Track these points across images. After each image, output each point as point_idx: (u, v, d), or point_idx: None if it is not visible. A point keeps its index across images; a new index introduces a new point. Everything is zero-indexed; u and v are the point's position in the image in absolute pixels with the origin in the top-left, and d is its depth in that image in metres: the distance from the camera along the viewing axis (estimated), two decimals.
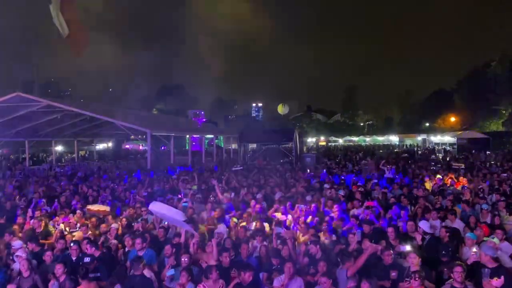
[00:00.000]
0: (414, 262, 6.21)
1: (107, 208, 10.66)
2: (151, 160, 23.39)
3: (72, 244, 7.52)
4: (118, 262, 7.38)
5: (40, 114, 25.77)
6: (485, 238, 7.04)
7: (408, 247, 6.88)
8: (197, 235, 7.66)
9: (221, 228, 8.86)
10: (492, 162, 24.75)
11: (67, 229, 9.37)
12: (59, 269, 6.44)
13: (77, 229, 9.38)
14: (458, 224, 8.84)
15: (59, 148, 42.80)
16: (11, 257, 7.42)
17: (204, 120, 50.64)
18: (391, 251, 6.77)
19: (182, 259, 6.69)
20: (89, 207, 10.84)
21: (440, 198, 11.73)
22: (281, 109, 41.91)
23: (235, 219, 9.63)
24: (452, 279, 5.76)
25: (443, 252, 6.68)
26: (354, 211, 10.25)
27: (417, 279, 5.57)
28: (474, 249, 6.51)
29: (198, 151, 36.81)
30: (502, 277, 5.72)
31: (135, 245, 7.55)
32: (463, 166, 20.49)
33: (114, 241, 8.33)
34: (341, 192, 12.87)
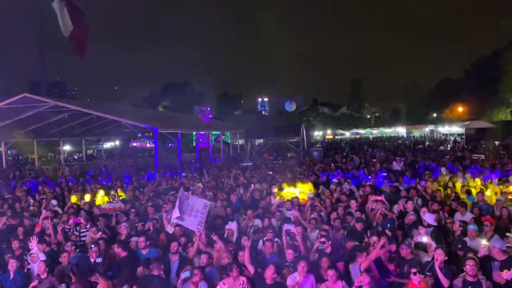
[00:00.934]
0: (439, 258, 6.11)
1: (122, 206, 10.74)
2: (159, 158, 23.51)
3: (92, 246, 7.57)
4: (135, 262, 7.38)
5: (47, 114, 25.93)
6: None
7: (425, 238, 6.86)
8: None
9: (232, 225, 8.87)
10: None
11: (78, 229, 9.46)
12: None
13: (87, 229, 9.44)
14: (467, 217, 8.79)
15: (67, 147, 43.09)
16: (25, 257, 7.54)
17: (210, 116, 50.50)
18: (408, 246, 6.79)
19: (202, 259, 6.74)
20: (102, 206, 10.96)
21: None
22: (289, 106, 41.88)
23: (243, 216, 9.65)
24: (464, 273, 5.75)
25: (459, 246, 6.68)
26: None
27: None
28: (485, 242, 6.45)
29: (205, 147, 36.89)
30: None
31: (138, 244, 7.63)
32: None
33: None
34: (347, 187, 12.86)
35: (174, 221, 8.31)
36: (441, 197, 10.72)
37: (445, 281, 5.92)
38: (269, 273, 6.13)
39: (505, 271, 5.87)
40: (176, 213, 7.89)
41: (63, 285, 6.32)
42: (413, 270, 5.80)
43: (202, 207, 8.15)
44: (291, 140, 32.19)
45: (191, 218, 7.84)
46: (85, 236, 9.27)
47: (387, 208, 9.48)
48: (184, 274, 6.34)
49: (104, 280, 6.34)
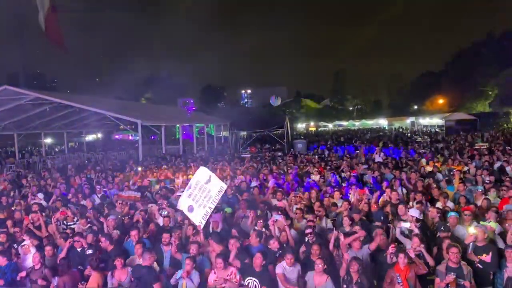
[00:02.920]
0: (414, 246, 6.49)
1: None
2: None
3: (76, 237, 7.61)
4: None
5: (28, 106, 25.48)
6: (481, 222, 7.28)
7: (408, 225, 7.13)
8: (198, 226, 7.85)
9: (216, 216, 8.94)
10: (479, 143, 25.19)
11: (65, 222, 9.46)
12: (35, 258, 6.79)
13: (75, 222, 9.45)
14: (449, 205, 9.13)
15: (48, 140, 42.43)
16: (13, 249, 7.55)
17: (193, 108, 50.46)
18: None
19: (191, 248, 6.87)
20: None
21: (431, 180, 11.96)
22: (274, 102, 42.13)
23: (228, 210, 9.71)
24: (447, 259, 6.03)
25: (442, 228, 7.11)
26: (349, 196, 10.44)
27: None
28: (473, 230, 6.75)
29: (189, 140, 36.81)
30: (490, 253, 6.27)
31: (131, 236, 7.70)
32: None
33: (116, 232, 8.43)
34: (334, 177, 13.12)
35: (183, 211, 8.18)
36: (422, 187, 11.04)
37: (430, 259, 6.32)
38: (258, 262, 6.33)
39: (484, 255, 6.35)
40: (186, 202, 7.72)
41: (56, 278, 6.35)
42: (401, 255, 6.06)
43: (216, 192, 7.82)
44: (275, 132, 32.34)
45: (199, 209, 7.66)
46: (72, 229, 9.27)
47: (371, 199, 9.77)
48: (178, 275, 6.40)
49: (96, 272, 6.41)
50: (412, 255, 6.20)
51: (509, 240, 6.72)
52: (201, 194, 7.85)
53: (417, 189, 10.64)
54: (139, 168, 17.24)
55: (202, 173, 8.28)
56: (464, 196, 9.68)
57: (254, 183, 12.49)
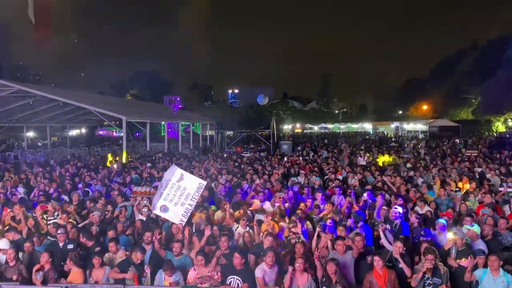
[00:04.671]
0: (397, 249, 6.56)
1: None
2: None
3: (59, 231, 7.54)
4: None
5: (11, 99, 25.02)
6: (467, 227, 7.42)
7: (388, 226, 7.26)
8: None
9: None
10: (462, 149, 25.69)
11: (45, 217, 9.35)
12: (43, 257, 6.50)
13: (55, 217, 9.35)
14: (427, 210, 9.30)
15: (30, 134, 41.72)
16: None
17: (180, 106, 50.19)
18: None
19: (174, 247, 6.88)
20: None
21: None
22: (261, 100, 42.47)
23: (213, 208, 9.73)
24: (422, 263, 6.15)
25: (414, 235, 7.15)
26: (334, 198, 10.55)
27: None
28: (452, 236, 6.87)
29: (174, 138, 36.60)
30: (470, 257, 6.39)
31: (108, 235, 7.69)
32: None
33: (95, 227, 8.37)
34: (318, 180, 13.20)
35: (156, 212, 8.07)
36: (404, 191, 11.21)
37: (406, 269, 6.36)
38: (237, 261, 6.39)
39: (463, 259, 6.49)
40: (158, 202, 7.58)
41: (40, 272, 6.24)
42: (376, 258, 6.17)
43: (195, 189, 7.67)
44: (261, 132, 32.42)
45: (177, 207, 7.51)
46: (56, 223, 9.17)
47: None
48: (173, 278, 6.38)
49: (77, 267, 6.37)
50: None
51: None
52: (175, 192, 7.70)
53: (400, 193, 10.81)
54: (115, 165, 17.08)
55: (172, 172, 8.10)
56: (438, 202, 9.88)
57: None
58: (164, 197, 7.59)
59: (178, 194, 7.66)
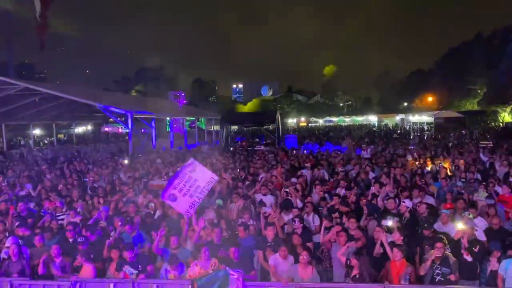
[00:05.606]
0: (396, 238, 6.60)
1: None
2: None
3: (67, 226, 7.63)
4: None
5: (17, 97, 25.16)
6: (465, 214, 7.42)
7: (390, 222, 7.24)
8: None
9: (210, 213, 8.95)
10: (467, 141, 25.52)
11: (54, 213, 9.44)
12: (55, 249, 6.57)
13: (63, 213, 9.45)
14: (427, 200, 9.30)
15: (37, 132, 41.98)
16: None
17: (184, 102, 50.14)
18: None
19: (172, 241, 6.94)
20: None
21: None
22: (265, 91, 42.44)
23: (219, 202, 9.78)
24: (431, 253, 6.15)
25: (425, 225, 7.12)
26: (340, 191, 10.56)
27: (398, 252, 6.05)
28: (461, 226, 6.87)
29: (179, 133, 36.66)
30: (478, 247, 6.48)
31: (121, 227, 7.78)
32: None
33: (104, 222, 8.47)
34: (323, 173, 13.21)
35: (164, 200, 8.02)
36: (405, 182, 11.21)
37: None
38: (235, 255, 6.51)
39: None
40: (168, 190, 7.60)
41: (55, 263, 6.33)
42: (395, 249, 6.20)
43: (205, 182, 7.64)
44: (266, 127, 32.41)
45: (186, 197, 7.51)
46: (61, 220, 9.28)
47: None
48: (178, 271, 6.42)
49: (88, 263, 6.46)
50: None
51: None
52: (185, 183, 7.69)
53: (400, 184, 10.80)
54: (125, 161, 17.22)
55: (188, 163, 8.08)
56: (450, 192, 9.83)
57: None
58: (174, 186, 7.55)
59: (188, 185, 7.60)
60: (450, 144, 22.60)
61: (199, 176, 7.64)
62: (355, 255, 6.18)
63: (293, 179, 11.82)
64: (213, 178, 7.76)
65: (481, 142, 22.47)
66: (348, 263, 6.22)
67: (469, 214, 7.39)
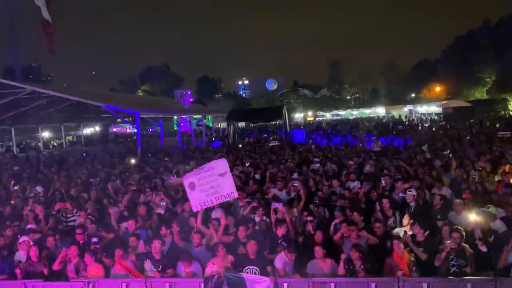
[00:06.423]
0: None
1: None
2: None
3: (77, 229, 7.66)
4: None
5: (25, 100, 25.33)
6: (482, 208, 7.32)
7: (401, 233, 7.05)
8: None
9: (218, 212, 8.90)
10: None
11: (64, 214, 9.48)
12: (73, 250, 6.67)
13: (74, 214, 9.48)
14: (445, 191, 9.14)
15: (45, 134, 42.34)
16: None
17: (191, 100, 50.23)
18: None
19: (194, 238, 7.00)
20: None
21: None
22: (270, 85, 42.27)
23: (230, 201, 9.71)
24: (446, 244, 6.06)
25: (438, 216, 7.06)
26: (349, 184, 10.48)
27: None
28: (475, 217, 6.77)
29: (186, 132, 36.74)
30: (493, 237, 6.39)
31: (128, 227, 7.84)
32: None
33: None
34: (333, 167, 13.12)
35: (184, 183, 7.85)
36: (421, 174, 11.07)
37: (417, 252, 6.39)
38: (253, 249, 6.44)
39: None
40: (192, 177, 7.51)
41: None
42: (396, 242, 6.14)
43: (226, 193, 7.44)
44: (273, 122, 32.32)
45: (201, 194, 7.38)
46: (72, 221, 9.32)
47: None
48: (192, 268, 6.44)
49: (97, 263, 6.48)
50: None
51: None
52: (208, 179, 7.52)
53: (417, 176, 10.66)
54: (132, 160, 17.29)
55: (219, 164, 7.79)
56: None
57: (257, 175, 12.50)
58: (198, 177, 7.42)
59: (210, 185, 7.43)
60: (461, 134, 22.35)
61: (224, 184, 7.43)
62: (354, 247, 6.12)
63: (294, 175, 11.73)
64: (233, 193, 7.56)
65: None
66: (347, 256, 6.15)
67: (488, 208, 7.28)
